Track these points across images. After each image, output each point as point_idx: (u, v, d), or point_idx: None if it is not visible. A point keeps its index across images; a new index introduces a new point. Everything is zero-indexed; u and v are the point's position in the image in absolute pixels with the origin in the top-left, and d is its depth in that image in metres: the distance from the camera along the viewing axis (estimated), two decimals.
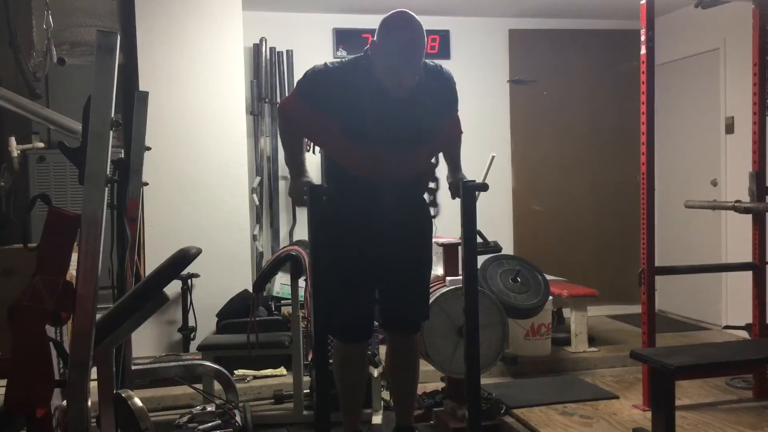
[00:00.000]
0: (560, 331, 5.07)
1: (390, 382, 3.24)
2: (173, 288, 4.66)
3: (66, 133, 3.27)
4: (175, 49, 4.80)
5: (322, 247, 2.72)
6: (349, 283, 2.85)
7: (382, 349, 3.39)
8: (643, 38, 3.67)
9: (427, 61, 2.77)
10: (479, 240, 3.42)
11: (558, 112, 6.22)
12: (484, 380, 3.49)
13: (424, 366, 3.28)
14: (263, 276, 3.97)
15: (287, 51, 5.59)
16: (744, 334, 4.34)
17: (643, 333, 3.80)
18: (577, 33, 6.20)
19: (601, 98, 6.28)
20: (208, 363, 3.66)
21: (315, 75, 2.75)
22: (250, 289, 4.45)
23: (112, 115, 1.92)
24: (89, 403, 1.90)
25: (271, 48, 5.57)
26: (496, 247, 3.89)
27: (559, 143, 6.22)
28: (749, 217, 4.02)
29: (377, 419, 3.60)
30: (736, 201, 4.01)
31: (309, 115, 2.77)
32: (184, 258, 2.29)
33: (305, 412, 3.71)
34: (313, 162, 3.06)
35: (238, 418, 3.41)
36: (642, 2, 3.66)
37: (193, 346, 4.57)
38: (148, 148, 3.31)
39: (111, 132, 1.92)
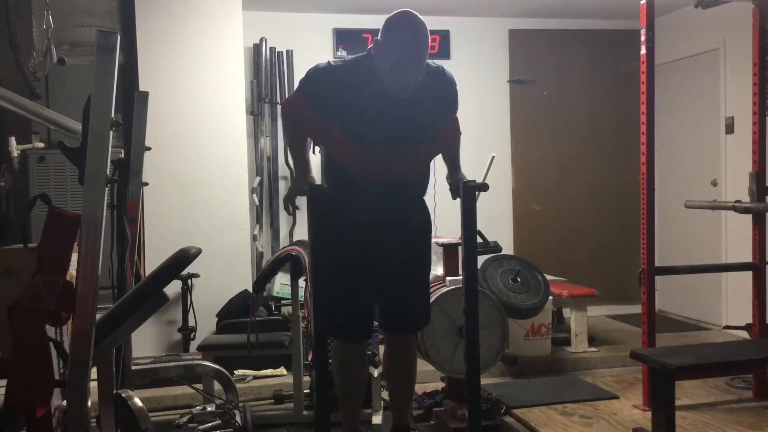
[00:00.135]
0: (560, 331, 5.07)
1: (387, 382, 3.24)
2: (173, 288, 4.66)
3: (66, 133, 3.26)
4: (175, 49, 4.80)
5: (322, 247, 2.72)
6: (349, 283, 2.85)
7: (382, 349, 3.39)
8: (643, 38, 3.67)
9: (429, 61, 2.77)
10: (479, 240, 3.42)
11: (558, 112, 6.22)
12: (484, 380, 3.49)
13: (425, 366, 3.29)
14: (263, 276, 3.97)
15: (287, 51, 5.59)
16: (744, 334, 4.34)
17: (643, 333, 3.80)
18: (577, 33, 6.20)
19: (601, 98, 6.28)
20: (208, 363, 3.66)
21: (317, 74, 2.76)
22: (250, 289, 4.44)
23: (112, 115, 1.92)
24: (89, 403, 1.90)
25: (271, 48, 5.57)
26: (496, 247, 3.89)
27: (559, 143, 6.22)
28: (749, 217, 4.02)
29: (377, 419, 3.60)
30: (736, 201, 4.01)
31: (311, 114, 2.77)
32: (184, 258, 2.29)
33: (305, 412, 3.71)
34: (313, 162, 3.06)
35: (238, 418, 3.41)
36: (642, 2, 3.66)
37: (193, 346, 4.57)
38: (148, 148, 3.31)
39: (111, 132, 1.92)
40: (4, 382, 1.97)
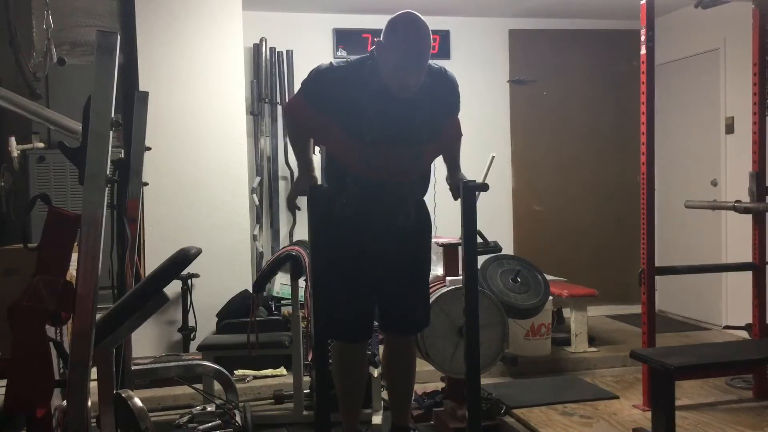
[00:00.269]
0: (560, 331, 5.07)
1: (387, 382, 3.24)
2: (173, 288, 4.66)
3: (66, 133, 3.26)
4: (175, 49, 4.80)
5: (322, 247, 2.72)
6: (349, 284, 2.86)
7: (382, 350, 3.39)
8: (643, 38, 3.67)
9: (431, 62, 2.78)
10: (479, 240, 3.42)
11: (558, 112, 6.22)
12: (484, 380, 3.49)
13: (425, 366, 3.29)
14: (263, 276, 3.97)
15: (287, 51, 5.59)
16: (744, 334, 4.34)
17: (643, 333, 3.80)
18: (577, 33, 6.20)
19: (601, 98, 6.28)
20: (208, 363, 3.66)
21: (318, 74, 2.77)
22: (250, 289, 4.44)
23: (112, 115, 1.92)
24: (89, 403, 1.90)
25: (271, 48, 5.56)
26: (496, 247, 3.88)
27: (559, 143, 6.22)
28: (749, 217, 4.02)
29: (377, 419, 3.60)
30: (736, 201, 4.01)
31: (312, 114, 2.78)
32: (184, 258, 2.29)
33: (305, 412, 3.71)
34: (314, 161, 3.06)
35: (238, 418, 3.41)
36: (642, 2, 3.66)
37: (193, 346, 4.57)
38: (148, 148, 3.31)
39: (111, 132, 1.92)
40: (4, 382, 1.97)
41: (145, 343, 4.61)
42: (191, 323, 4.75)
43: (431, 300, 3.25)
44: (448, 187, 3.05)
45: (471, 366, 2.78)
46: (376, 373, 3.59)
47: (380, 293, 2.95)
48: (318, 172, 2.92)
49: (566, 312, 5.13)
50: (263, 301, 4.79)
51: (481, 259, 3.69)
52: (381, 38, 2.71)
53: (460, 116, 3.03)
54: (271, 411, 3.94)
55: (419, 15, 2.71)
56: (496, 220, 5.84)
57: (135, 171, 3.17)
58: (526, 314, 4.06)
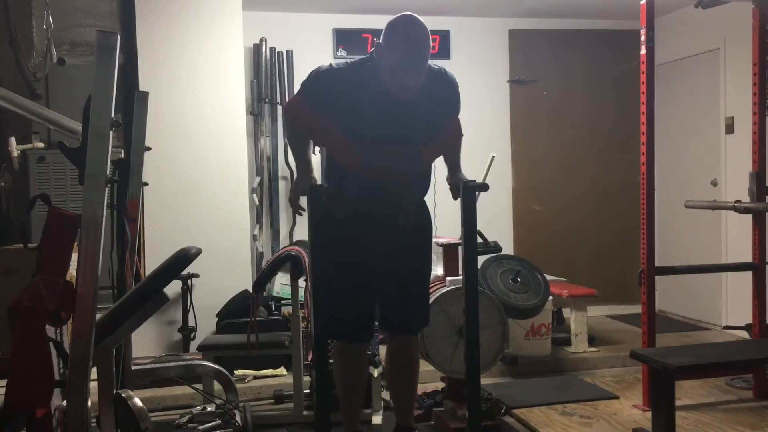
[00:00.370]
0: (560, 331, 5.07)
1: (390, 382, 3.24)
2: (173, 288, 4.66)
3: (66, 133, 3.26)
4: (175, 49, 4.80)
5: (322, 247, 2.72)
6: (350, 284, 2.86)
7: (382, 349, 3.39)
8: (643, 38, 3.67)
9: (431, 63, 2.78)
10: (479, 240, 3.42)
11: (558, 112, 6.22)
12: (484, 380, 3.49)
13: (424, 366, 3.28)
14: (263, 276, 3.97)
15: (287, 51, 5.59)
16: (744, 334, 4.34)
17: (643, 333, 3.80)
18: (577, 33, 6.20)
19: (601, 98, 6.28)
20: (208, 363, 3.66)
21: (319, 75, 2.77)
22: (250, 289, 4.44)
23: (112, 115, 1.93)
24: (89, 403, 1.90)
25: (271, 48, 5.57)
26: (496, 247, 3.89)
27: (559, 143, 6.22)
28: (749, 217, 4.02)
29: (377, 419, 3.60)
30: (736, 201, 4.01)
31: (312, 115, 2.79)
32: (184, 258, 2.29)
33: (305, 412, 3.70)
34: (313, 162, 3.06)
35: (238, 418, 3.41)
36: (642, 2, 3.66)
37: (193, 346, 4.57)
38: (148, 148, 3.31)
39: (111, 132, 1.92)
40: (4, 382, 1.97)
41: (145, 343, 4.61)
42: (191, 323, 4.75)
43: (431, 300, 3.25)
44: (448, 186, 3.05)
45: (471, 366, 2.78)
46: (376, 373, 3.59)
47: (380, 293, 2.95)
48: (318, 173, 2.92)
49: (566, 312, 5.13)
50: (263, 301, 4.79)
51: (481, 259, 3.69)
52: (380, 40, 2.72)
53: (461, 116, 3.04)
54: (271, 411, 3.94)
55: (418, 17, 2.72)
56: (496, 220, 5.84)
57: (135, 171, 3.17)
58: (526, 314, 4.06)
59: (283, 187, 5.60)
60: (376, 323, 3.14)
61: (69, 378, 1.89)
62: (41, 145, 4.71)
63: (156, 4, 4.78)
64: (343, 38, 5.74)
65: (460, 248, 2.96)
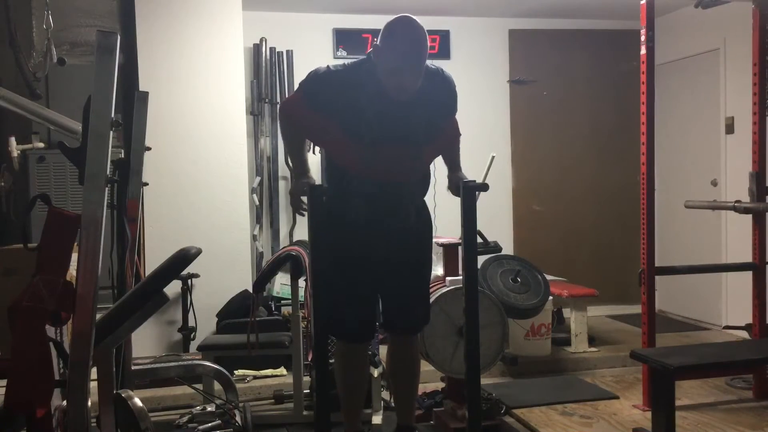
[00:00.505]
0: (560, 331, 5.07)
1: (391, 382, 3.24)
2: (173, 288, 4.66)
3: (66, 133, 3.26)
4: (175, 49, 4.80)
5: (322, 248, 2.72)
6: (351, 284, 2.86)
7: (383, 349, 3.39)
8: (643, 38, 3.67)
9: (428, 63, 2.78)
10: (479, 240, 3.42)
11: (558, 112, 6.22)
12: (484, 380, 3.49)
13: (424, 366, 3.28)
14: (263, 276, 3.97)
15: (287, 51, 5.59)
16: (744, 334, 4.34)
17: (643, 333, 3.80)
18: (577, 33, 6.20)
19: (601, 98, 6.28)
20: (208, 363, 3.66)
21: (317, 76, 2.77)
22: (250, 289, 4.44)
23: (112, 115, 1.93)
24: (89, 403, 1.90)
25: (271, 48, 5.57)
26: (496, 247, 3.88)
27: (559, 143, 6.22)
28: (749, 217, 4.02)
29: (377, 419, 3.60)
30: (736, 201, 4.01)
31: (310, 116, 2.78)
32: (184, 258, 2.29)
33: (305, 412, 3.71)
34: (313, 162, 3.06)
35: (238, 418, 3.41)
36: (642, 2, 3.66)
37: (193, 346, 4.57)
38: (148, 148, 3.31)
39: (111, 132, 1.92)
40: (4, 382, 1.97)
41: (145, 343, 4.61)
42: (191, 323, 4.75)
43: (431, 300, 3.25)
44: (447, 185, 3.05)
45: (471, 366, 2.78)
46: (376, 373, 3.59)
47: (381, 293, 2.95)
48: (318, 173, 2.92)
49: (566, 312, 5.13)
50: (263, 301, 4.79)
51: (481, 259, 3.69)
52: (378, 42, 2.72)
53: (461, 116, 3.03)
54: (271, 411, 3.94)
55: (416, 19, 2.72)
56: (496, 220, 5.84)
57: (135, 171, 3.17)
58: (526, 314, 4.06)
59: (283, 187, 5.60)
60: (377, 323, 3.14)
61: (69, 378, 1.89)
62: (41, 145, 4.71)
63: (156, 4, 4.78)
64: (343, 38, 5.74)
65: (460, 248, 2.96)
